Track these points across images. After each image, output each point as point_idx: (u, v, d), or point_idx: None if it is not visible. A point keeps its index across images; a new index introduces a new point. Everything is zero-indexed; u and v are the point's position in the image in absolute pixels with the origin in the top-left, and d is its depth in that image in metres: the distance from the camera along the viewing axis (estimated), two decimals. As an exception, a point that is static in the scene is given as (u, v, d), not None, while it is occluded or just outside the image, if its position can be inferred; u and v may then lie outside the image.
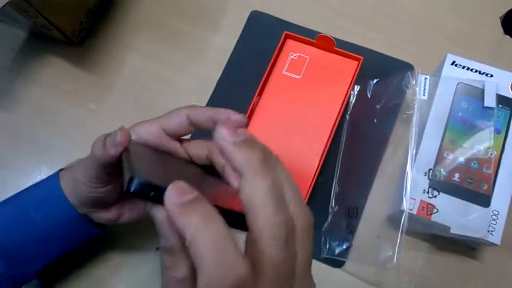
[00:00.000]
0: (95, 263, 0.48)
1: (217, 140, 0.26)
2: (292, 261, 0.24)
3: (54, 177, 0.38)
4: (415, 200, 0.43)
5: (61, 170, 0.39)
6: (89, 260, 0.48)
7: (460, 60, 0.48)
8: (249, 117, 0.48)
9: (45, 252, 0.39)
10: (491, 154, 0.44)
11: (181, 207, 0.22)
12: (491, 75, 0.47)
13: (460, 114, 0.46)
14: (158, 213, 0.24)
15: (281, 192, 0.24)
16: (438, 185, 0.44)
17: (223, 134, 0.26)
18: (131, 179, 0.23)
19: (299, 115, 0.48)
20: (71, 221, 0.38)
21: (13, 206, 0.39)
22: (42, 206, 0.38)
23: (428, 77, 0.47)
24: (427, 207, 0.43)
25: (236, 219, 0.24)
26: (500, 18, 0.56)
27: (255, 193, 0.23)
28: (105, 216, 0.38)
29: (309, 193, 0.45)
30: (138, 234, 0.48)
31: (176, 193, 0.23)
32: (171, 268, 0.24)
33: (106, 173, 0.33)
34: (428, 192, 0.44)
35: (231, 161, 0.25)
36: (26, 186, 0.50)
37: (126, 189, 0.23)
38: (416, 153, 0.45)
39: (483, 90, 0.46)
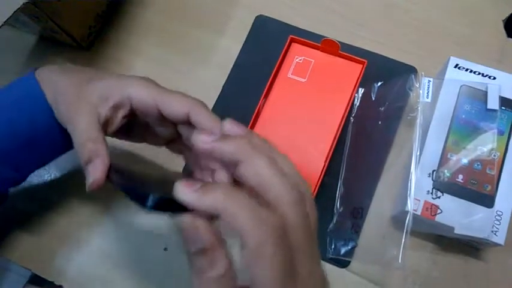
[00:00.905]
0: (95, 260, 0.49)
1: (200, 146, 0.26)
2: (308, 220, 0.25)
3: (34, 83, 0.36)
4: (419, 200, 0.44)
5: (35, 69, 0.38)
6: (90, 256, 0.49)
7: (463, 63, 0.48)
8: (255, 120, 0.49)
9: (34, 157, 0.39)
10: (494, 155, 0.45)
11: (200, 191, 0.24)
12: (494, 78, 0.47)
13: (464, 116, 0.46)
14: (183, 219, 0.24)
15: (278, 165, 0.26)
16: (442, 186, 0.44)
17: (204, 139, 0.26)
18: (146, 197, 0.24)
19: (304, 118, 0.49)
20: (56, 130, 0.37)
21: None
22: (26, 111, 0.36)
23: (431, 79, 0.47)
24: (431, 208, 0.44)
25: None
26: (503, 21, 0.56)
27: (259, 171, 0.25)
28: None
29: (315, 194, 0.45)
30: (145, 234, 0.49)
31: (187, 185, 0.24)
32: (208, 269, 0.24)
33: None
34: (432, 193, 0.44)
35: (223, 156, 0.25)
36: (34, 186, 0.50)
37: (144, 207, 0.24)
38: (420, 155, 0.45)
39: (486, 92, 0.46)
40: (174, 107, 0.33)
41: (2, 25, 0.44)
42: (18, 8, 0.44)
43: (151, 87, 0.34)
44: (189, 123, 0.34)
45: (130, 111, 0.35)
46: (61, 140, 0.38)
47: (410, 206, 0.43)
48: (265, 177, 0.24)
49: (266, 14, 0.58)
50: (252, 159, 0.25)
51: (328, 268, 0.47)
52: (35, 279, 0.95)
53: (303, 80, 0.50)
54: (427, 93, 0.47)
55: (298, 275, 0.24)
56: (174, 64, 0.57)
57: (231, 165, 0.26)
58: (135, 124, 0.37)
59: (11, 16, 0.44)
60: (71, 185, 0.51)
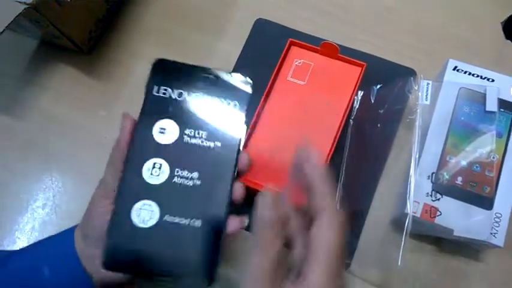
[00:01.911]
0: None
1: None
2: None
3: (70, 234, 0.36)
4: (418, 203, 0.44)
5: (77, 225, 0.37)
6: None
7: (461, 65, 0.48)
8: (255, 123, 0.49)
9: None
10: (493, 157, 0.45)
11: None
12: (493, 80, 0.48)
13: (462, 118, 0.47)
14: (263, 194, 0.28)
15: None
16: (441, 188, 0.44)
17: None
18: None
19: (304, 120, 0.49)
20: (75, 278, 0.35)
21: (25, 258, 0.37)
22: (53, 262, 0.36)
23: (430, 82, 0.48)
24: (431, 210, 0.44)
25: None
26: (502, 23, 0.56)
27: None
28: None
29: (314, 197, 0.46)
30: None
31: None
32: (271, 242, 0.27)
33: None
34: (431, 196, 0.44)
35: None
36: (38, 192, 0.51)
37: None
38: (419, 157, 0.45)
39: (485, 94, 0.47)
40: None
41: (4, 30, 0.44)
42: (20, 13, 0.45)
43: None
44: None
45: None
46: None
47: (409, 208, 0.43)
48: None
49: (265, 17, 0.58)
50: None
51: (328, 270, 0.47)
52: None
53: (303, 83, 0.51)
54: (426, 95, 0.47)
55: None
56: (174, 67, 0.57)
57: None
58: None
59: (12, 21, 0.44)
60: (74, 191, 0.52)
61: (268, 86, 0.50)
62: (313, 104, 0.50)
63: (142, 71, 0.56)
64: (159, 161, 0.32)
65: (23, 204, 0.51)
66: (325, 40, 0.50)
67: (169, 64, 0.34)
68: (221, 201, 0.32)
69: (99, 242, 0.32)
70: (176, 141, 0.32)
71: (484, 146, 0.45)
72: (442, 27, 0.57)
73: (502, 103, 0.47)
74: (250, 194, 0.47)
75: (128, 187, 0.31)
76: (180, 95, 0.33)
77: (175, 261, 0.30)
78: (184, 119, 0.32)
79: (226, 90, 0.34)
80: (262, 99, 0.49)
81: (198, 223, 0.31)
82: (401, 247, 0.43)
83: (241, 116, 0.34)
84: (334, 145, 0.47)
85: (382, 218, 0.48)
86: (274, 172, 0.48)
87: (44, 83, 0.57)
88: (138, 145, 0.32)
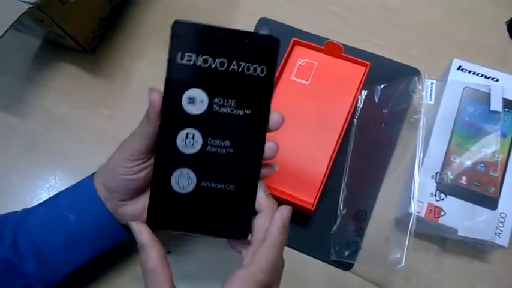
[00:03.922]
0: (97, 261, 0.48)
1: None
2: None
3: (88, 179, 0.39)
4: (422, 203, 0.44)
5: (94, 173, 0.39)
6: (109, 269, 0.49)
7: (466, 65, 0.48)
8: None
9: (75, 253, 0.39)
10: (497, 157, 0.45)
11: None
12: (497, 80, 0.48)
13: (467, 118, 0.46)
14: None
15: None
16: (445, 188, 0.44)
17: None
18: None
19: (308, 120, 0.49)
20: (102, 221, 0.38)
21: (48, 206, 0.40)
22: (76, 206, 0.38)
23: (434, 81, 0.47)
24: (435, 210, 0.44)
25: None
26: (506, 22, 0.56)
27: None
28: (132, 209, 0.37)
29: (318, 196, 0.46)
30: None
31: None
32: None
33: (149, 146, 0.34)
34: (435, 195, 0.44)
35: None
36: (41, 191, 0.51)
37: None
38: (423, 157, 0.45)
39: (489, 94, 0.47)
40: None
41: (8, 29, 0.44)
42: (24, 12, 0.45)
43: None
44: None
45: None
46: (105, 236, 0.40)
47: (413, 208, 0.43)
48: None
49: (269, 17, 0.58)
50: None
51: (332, 270, 0.47)
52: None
53: (306, 82, 0.51)
54: (430, 95, 0.47)
55: None
56: (177, 67, 0.57)
57: None
58: None
59: (16, 20, 0.44)
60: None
61: (272, 85, 0.49)
62: (317, 103, 0.50)
63: (144, 71, 0.57)
64: (191, 131, 0.32)
65: (26, 203, 0.51)
66: (329, 39, 0.50)
67: (189, 26, 0.32)
68: (253, 166, 0.33)
69: (123, 196, 0.36)
70: (206, 111, 0.32)
71: (488, 146, 0.45)
72: (447, 27, 0.57)
73: (507, 103, 0.46)
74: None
75: (165, 157, 0.33)
76: (205, 61, 0.32)
77: (213, 222, 0.33)
78: (212, 87, 0.32)
79: (252, 52, 0.32)
80: (265, 99, 0.49)
81: (232, 187, 0.33)
82: (405, 247, 0.43)
83: (270, 79, 0.32)
84: (338, 144, 0.47)
85: (386, 218, 0.48)
86: (276, 172, 0.48)
87: (47, 82, 0.57)
88: (169, 117, 0.32)
